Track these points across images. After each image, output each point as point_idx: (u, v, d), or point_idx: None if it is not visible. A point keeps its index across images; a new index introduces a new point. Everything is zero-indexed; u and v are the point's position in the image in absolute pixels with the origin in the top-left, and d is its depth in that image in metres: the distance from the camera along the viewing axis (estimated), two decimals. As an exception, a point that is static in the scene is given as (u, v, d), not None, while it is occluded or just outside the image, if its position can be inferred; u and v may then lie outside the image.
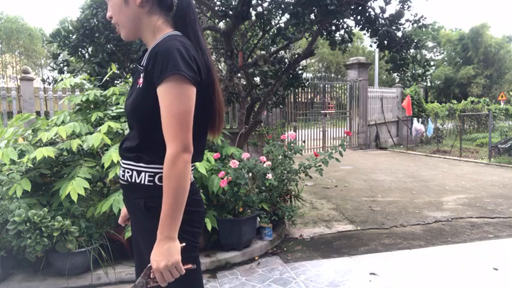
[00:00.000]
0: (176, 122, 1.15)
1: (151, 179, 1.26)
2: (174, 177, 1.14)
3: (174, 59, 1.15)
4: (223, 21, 5.43)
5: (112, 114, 3.58)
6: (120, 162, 1.35)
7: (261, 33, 5.76)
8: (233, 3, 4.51)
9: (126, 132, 3.30)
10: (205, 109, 1.30)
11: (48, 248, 2.89)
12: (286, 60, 5.17)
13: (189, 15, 1.29)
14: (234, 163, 3.51)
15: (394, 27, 4.22)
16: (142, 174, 1.26)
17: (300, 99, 11.47)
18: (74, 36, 4.45)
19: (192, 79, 1.17)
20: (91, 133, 3.32)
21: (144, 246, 1.23)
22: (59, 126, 3.30)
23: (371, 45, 5.13)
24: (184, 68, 1.15)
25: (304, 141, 10.04)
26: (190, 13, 1.29)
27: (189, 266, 1.18)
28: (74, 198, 2.92)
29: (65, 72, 4.73)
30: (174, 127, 1.15)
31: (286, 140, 4.17)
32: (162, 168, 1.19)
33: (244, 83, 6.12)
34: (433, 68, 33.41)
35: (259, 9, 4.91)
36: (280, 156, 4.06)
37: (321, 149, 10.97)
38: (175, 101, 1.14)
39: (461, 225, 4.44)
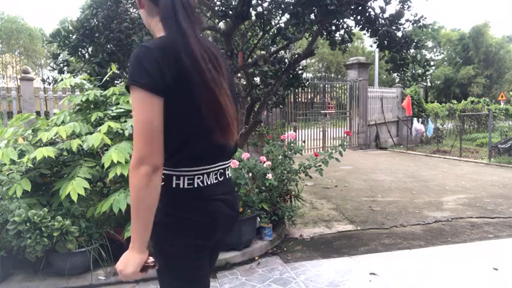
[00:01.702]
0: (135, 133, 1.10)
1: None
2: (132, 188, 1.10)
3: (131, 68, 1.11)
4: (223, 21, 5.42)
5: (112, 114, 3.58)
6: None
7: (261, 33, 5.76)
8: (233, 3, 4.51)
9: (126, 132, 3.30)
10: (191, 112, 1.18)
11: (48, 248, 2.89)
12: (286, 60, 5.17)
13: (176, 14, 1.18)
14: (234, 163, 3.51)
15: (394, 27, 4.22)
16: None
17: (300, 99, 11.47)
18: (74, 36, 4.45)
19: (148, 86, 1.09)
20: (91, 133, 3.32)
21: None
22: (59, 126, 3.30)
23: (371, 45, 5.14)
24: (139, 76, 1.09)
25: (304, 141, 10.05)
26: (177, 11, 1.18)
27: (151, 264, 1.19)
28: (74, 198, 2.92)
29: (65, 72, 4.73)
30: (135, 138, 1.10)
31: (286, 140, 4.17)
32: None
33: (244, 83, 6.11)
34: (433, 68, 33.40)
35: (259, 9, 4.91)
36: (280, 156, 4.06)
37: (321, 149, 10.97)
38: (135, 112, 1.11)
39: (461, 225, 4.44)
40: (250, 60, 5.39)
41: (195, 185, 1.23)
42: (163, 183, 1.19)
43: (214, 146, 1.24)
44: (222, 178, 1.32)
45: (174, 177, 1.21)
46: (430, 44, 37.37)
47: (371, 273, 3.15)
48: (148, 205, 1.11)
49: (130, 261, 1.14)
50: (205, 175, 1.25)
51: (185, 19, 1.19)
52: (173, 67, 1.13)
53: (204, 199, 1.26)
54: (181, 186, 1.22)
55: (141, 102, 1.10)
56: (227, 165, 1.35)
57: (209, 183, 1.26)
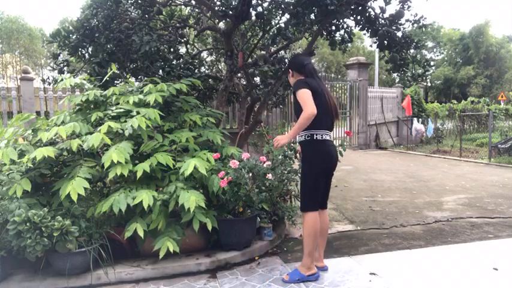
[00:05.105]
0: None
1: None
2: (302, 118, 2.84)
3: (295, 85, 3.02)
4: (223, 21, 5.42)
5: (112, 114, 3.58)
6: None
7: (261, 33, 5.75)
8: (233, 3, 4.50)
9: (126, 132, 3.29)
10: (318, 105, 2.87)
11: (48, 248, 2.89)
12: (286, 60, 5.16)
13: (312, 73, 3.05)
14: (234, 163, 3.50)
15: (394, 27, 4.21)
16: None
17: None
18: (74, 36, 4.45)
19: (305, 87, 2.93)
20: (91, 133, 3.32)
21: None
22: (59, 126, 3.30)
23: (371, 45, 5.14)
24: (302, 86, 2.91)
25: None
26: (312, 72, 3.05)
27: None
28: (74, 198, 2.92)
29: (65, 72, 4.73)
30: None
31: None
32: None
33: (244, 83, 6.11)
34: (433, 68, 33.42)
35: (259, 9, 4.90)
36: (280, 156, 4.05)
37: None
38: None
39: (461, 225, 4.44)
40: (250, 60, 5.39)
41: (320, 138, 2.95)
42: (310, 136, 2.97)
43: (326, 121, 3.00)
44: (330, 137, 3.01)
45: (315, 134, 2.95)
46: (430, 44, 37.38)
47: (371, 273, 3.15)
48: (303, 126, 2.84)
49: (284, 138, 2.96)
50: (325, 134, 2.97)
51: (313, 75, 3.06)
52: (311, 87, 2.93)
53: (324, 144, 2.97)
54: (314, 137, 2.96)
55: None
56: (331, 132, 3.06)
57: (325, 138, 2.97)
